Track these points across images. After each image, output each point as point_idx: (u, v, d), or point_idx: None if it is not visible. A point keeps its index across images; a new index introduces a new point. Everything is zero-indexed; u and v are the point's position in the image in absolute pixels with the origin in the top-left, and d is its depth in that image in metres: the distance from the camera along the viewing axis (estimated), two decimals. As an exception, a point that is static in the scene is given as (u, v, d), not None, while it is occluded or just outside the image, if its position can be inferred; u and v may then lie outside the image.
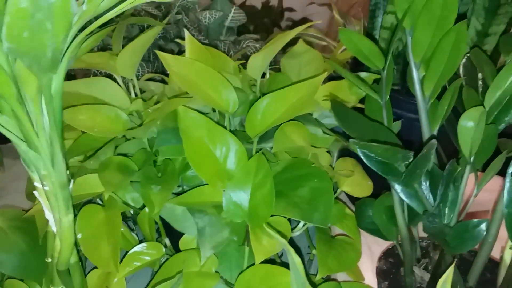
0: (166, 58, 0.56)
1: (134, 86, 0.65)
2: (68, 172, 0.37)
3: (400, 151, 0.39)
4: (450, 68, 0.47)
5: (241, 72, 0.70)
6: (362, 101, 0.60)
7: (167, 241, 0.63)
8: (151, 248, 0.57)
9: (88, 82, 0.58)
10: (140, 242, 0.60)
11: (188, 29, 0.95)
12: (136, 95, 0.65)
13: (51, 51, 0.25)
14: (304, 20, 1.61)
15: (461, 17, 0.51)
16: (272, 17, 1.74)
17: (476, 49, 0.52)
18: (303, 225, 0.63)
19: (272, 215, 0.53)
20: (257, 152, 0.58)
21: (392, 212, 0.50)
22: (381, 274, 0.55)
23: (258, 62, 0.65)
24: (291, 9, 1.63)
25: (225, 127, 0.56)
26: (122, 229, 0.61)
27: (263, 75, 0.69)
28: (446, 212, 0.43)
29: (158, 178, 0.56)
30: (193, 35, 0.95)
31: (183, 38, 0.95)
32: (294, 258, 0.36)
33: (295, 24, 1.60)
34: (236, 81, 0.66)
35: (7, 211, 0.58)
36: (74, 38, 0.30)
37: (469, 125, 0.44)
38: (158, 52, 0.56)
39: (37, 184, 0.36)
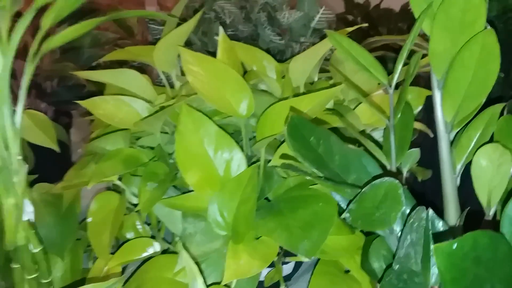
0: (185, 55, 0.54)
1: (169, 81, 0.65)
2: (19, 157, 0.38)
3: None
4: (478, 89, 0.36)
5: (285, 76, 0.65)
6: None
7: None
8: (145, 244, 0.56)
9: (116, 73, 0.60)
10: (152, 237, 0.60)
11: (265, 28, 0.92)
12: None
13: None
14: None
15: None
16: (410, 22, 1.61)
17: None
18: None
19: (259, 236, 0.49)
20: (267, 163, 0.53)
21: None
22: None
23: (299, 66, 0.60)
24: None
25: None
26: (135, 221, 0.62)
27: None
28: (435, 273, 0.34)
29: (162, 175, 0.55)
30: (268, 35, 0.92)
31: (259, 38, 0.93)
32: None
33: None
34: (276, 86, 0.62)
35: (41, 185, 0.63)
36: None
37: (484, 164, 0.34)
38: (180, 48, 0.55)
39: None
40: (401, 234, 0.32)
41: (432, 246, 0.25)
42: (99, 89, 0.82)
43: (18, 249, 0.41)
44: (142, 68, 0.77)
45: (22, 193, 0.40)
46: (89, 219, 0.58)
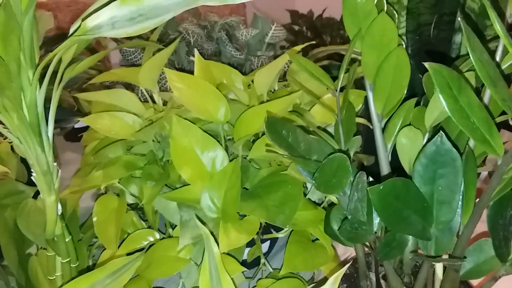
0: (169, 74, 0.66)
1: (152, 97, 0.76)
2: (55, 163, 0.48)
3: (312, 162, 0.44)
4: (397, 89, 0.50)
5: (250, 87, 0.78)
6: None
7: (170, 231, 0.73)
8: (146, 234, 0.67)
9: (110, 92, 0.71)
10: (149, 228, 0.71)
11: (226, 45, 1.05)
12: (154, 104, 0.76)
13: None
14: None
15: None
16: None
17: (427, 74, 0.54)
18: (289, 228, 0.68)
19: (245, 215, 0.61)
20: (244, 158, 0.66)
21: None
22: (343, 277, 0.59)
23: (262, 78, 0.73)
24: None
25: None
26: (134, 218, 0.72)
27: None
28: (377, 221, 0.47)
29: (157, 175, 0.66)
30: (229, 51, 1.05)
31: (221, 54, 1.05)
32: (212, 246, 0.43)
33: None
34: (243, 96, 0.75)
35: (46, 195, 0.72)
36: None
37: (404, 142, 0.48)
38: (165, 69, 0.66)
39: (32, 171, 0.48)
40: (349, 195, 0.45)
41: (368, 188, 0.38)
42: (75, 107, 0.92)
43: (56, 237, 0.51)
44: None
45: (57, 192, 0.50)
46: (94, 218, 0.68)
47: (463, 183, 0.41)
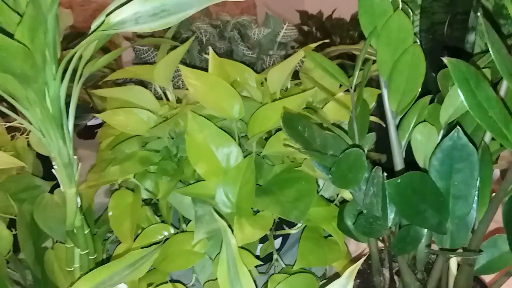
0: (185, 71, 0.67)
1: (167, 93, 0.77)
2: (75, 157, 0.49)
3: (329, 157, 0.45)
4: (412, 86, 0.51)
5: (263, 85, 0.78)
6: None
7: (184, 226, 0.74)
8: (161, 229, 0.68)
9: (126, 89, 0.72)
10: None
11: (239, 44, 1.06)
12: (168, 101, 0.77)
13: (23, 68, 0.37)
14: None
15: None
16: (360, 29, 1.78)
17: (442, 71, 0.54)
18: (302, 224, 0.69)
19: (258, 210, 0.62)
20: (257, 155, 0.66)
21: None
22: (356, 273, 0.60)
23: (275, 76, 0.73)
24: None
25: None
26: (148, 213, 0.73)
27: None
28: (391, 216, 0.48)
29: (171, 171, 0.67)
30: (241, 50, 1.06)
31: (233, 53, 1.06)
32: (230, 238, 0.44)
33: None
34: (257, 93, 0.75)
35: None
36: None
37: (419, 138, 0.48)
38: (180, 66, 0.67)
39: (54, 163, 0.49)
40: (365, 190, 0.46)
41: (385, 182, 0.39)
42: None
43: (76, 229, 0.52)
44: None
45: (77, 184, 0.51)
46: (110, 213, 0.69)
47: (478, 179, 0.41)
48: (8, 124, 0.84)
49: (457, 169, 0.41)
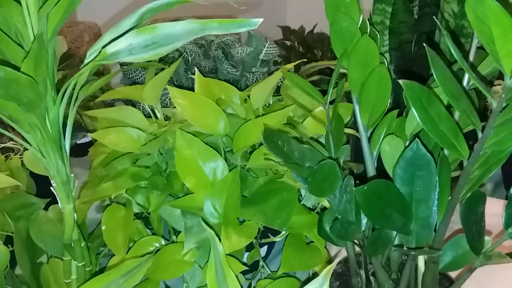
0: (172, 91, 0.71)
1: (156, 112, 0.82)
2: (72, 175, 0.53)
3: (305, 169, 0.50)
4: (380, 102, 0.56)
5: (247, 101, 0.83)
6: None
7: (174, 237, 0.77)
8: (153, 240, 0.71)
9: (117, 109, 0.76)
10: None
11: (223, 62, 1.11)
12: (157, 119, 0.82)
13: (29, 97, 0.41)
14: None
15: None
16: None
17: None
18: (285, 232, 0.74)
19: (244, 220, 0.66)
20: (242, 168, 0.71)
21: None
22: (335, 275, 0.65)
23: (258, 93, 0.78)
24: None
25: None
26: (139, 226, 0.77)
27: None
28: (364, 221, 0.52)
29: (161, 185, 0.71)
30: (226, 68, 1.11)
31: (217, 71, 1.11)
32: (217, 245, 0.48)
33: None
34: (241, 110, 0.80)
35: (56, 207, 0.77)
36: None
37: (387, 149, 0.53)
38: (168, 86, 0.72)
39: (52, 181, 0.53)
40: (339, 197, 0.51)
41: (354, 189, 0.44)
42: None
43: (73, 242, 0.56)
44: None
45: (75, 200, 0.55)
46: (103, 227, 0.73)
47: (438, 184, 0.46)
48: (2, 145, 0.87)
49: (418, 176, 0.46)
